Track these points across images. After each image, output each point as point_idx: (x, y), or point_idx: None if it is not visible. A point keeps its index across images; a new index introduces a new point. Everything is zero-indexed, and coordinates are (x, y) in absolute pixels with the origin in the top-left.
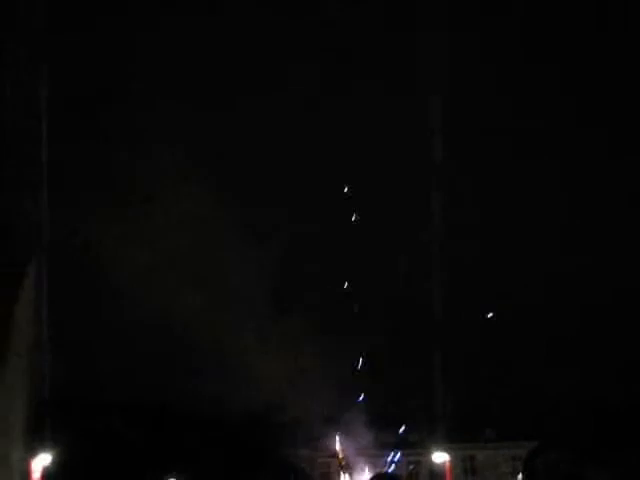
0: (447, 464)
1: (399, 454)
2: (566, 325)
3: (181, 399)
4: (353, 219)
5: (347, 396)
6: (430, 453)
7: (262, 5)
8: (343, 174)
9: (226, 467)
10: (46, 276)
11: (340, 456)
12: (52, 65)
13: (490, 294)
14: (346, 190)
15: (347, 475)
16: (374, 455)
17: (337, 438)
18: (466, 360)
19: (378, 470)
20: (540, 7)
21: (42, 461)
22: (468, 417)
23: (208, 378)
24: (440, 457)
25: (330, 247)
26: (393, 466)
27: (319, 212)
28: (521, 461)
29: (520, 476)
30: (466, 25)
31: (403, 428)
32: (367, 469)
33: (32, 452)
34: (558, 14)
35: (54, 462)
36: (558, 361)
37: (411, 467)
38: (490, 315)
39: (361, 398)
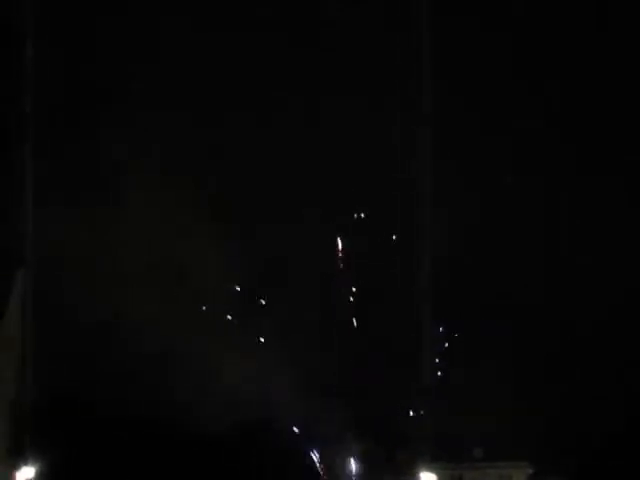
0: None
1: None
2: (565, 336)
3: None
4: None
5: (331, 412)
6: (418, 473)
7: (262, 5)
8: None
9: None
10: (31, 292)
11: (324, 476)
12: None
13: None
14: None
15: None
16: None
17: (319, 456)
18: (451, 377)
19: None
20: (539, 8)
21: (25, 475)
22: (456, 436)
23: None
24: (428, 477)
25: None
26: None
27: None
28: None
29: None
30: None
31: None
32: None
33: (15, 466)
34: (557, 15)
35: (37, 476)
36: (553, 377)
37: None
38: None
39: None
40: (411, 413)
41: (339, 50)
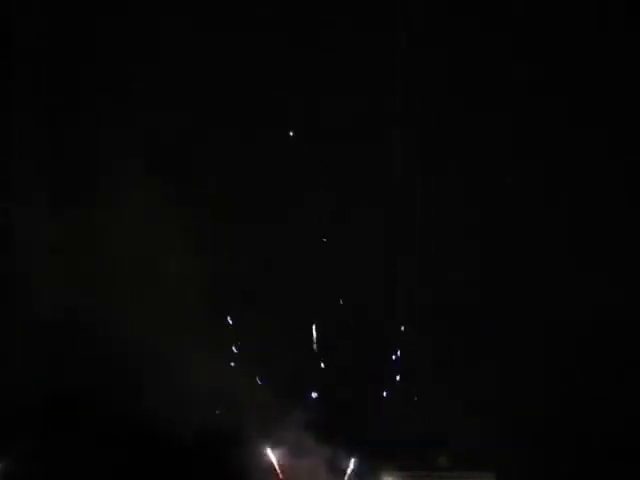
0: None
1: None
2: (565, 336)
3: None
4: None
5: (295, 416)
6: None
7: (262, 5)
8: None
9: None
10: None
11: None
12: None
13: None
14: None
15: None
16: None
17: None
18: (421, 384)
19: None
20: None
21: None
22: (421, 444)
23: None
24: None
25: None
26: None
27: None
28: None
29: None
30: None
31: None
32: None
33: None
34: (556, 14)
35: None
36: (553, 377)
37: None
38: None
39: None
40: (377, 419)
41: (339, 50)
